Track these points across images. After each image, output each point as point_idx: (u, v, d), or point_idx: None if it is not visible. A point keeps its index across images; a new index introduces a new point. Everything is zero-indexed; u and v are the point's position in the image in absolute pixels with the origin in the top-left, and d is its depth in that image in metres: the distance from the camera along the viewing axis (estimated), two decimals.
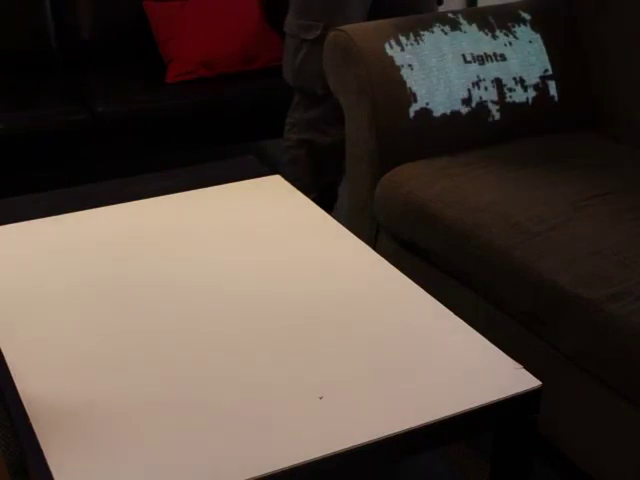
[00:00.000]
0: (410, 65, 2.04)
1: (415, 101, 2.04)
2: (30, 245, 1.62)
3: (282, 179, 1.86)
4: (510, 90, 2.13)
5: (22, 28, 2.88)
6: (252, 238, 1.64)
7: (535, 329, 1.66)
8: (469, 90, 2.09)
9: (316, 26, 2.27)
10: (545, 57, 2.19)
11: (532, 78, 2.16)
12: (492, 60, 2.11)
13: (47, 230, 1.67)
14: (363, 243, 1.62)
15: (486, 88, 2.10)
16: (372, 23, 2.12)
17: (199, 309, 1.42)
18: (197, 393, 1.24)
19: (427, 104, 2.05)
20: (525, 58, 2.16)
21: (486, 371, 1.29)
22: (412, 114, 2.04)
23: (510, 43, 2.16)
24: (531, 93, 2.15)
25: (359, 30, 2.06)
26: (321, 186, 2.48)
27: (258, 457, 1.13)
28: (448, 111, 2.07)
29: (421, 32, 2.09)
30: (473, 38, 2.12)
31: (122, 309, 1.42)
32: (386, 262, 1.56)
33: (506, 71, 2.13)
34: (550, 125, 2.16)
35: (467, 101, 2.08)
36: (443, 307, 1.44)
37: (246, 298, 1.45)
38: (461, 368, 1.30)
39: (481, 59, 2.10)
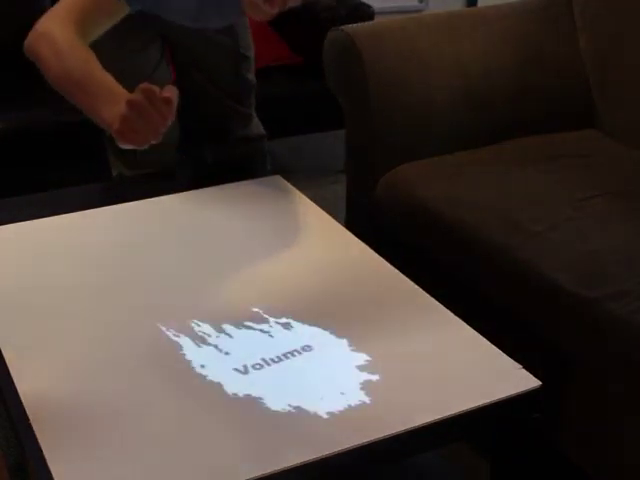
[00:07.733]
0: (410, 65, 2.04)
1: (415, 101, 2.04)
2: (30, 245, 1.62)
3: (282, 179, 1.85)
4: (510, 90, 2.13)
5: (22, 28, 2.88)
6: (252, 238, 1.64)
7: (535, 329, 1.66)
8: (469, 89, 2.09)
9: None
10: (544, 57, 2.18)
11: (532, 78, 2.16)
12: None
13: (47, 230, 1.67)
14: (363, 243, 1.62)
15: (486, 87, 2.10)
16: (372, 23, 2.12)
17: (199, 309, 1.42)
18: (197, 393, 1.24)
19: (427, 104, 2.05)
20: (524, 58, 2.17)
21: (486, 371, 1.29)
22: (412, 114, 2.03)
23: (509, 43, 2.15)
24: (530, 93, 2.15)
25: (359, 30, 2.06)
26: None
27: (258, 457, 1.13)
28: (448, 111, 2.07)
29: (420, 32, 2.09)
30: (472, 38, 2.13)
31: (123, 309, 1.42)
32: (386, 262, 1.56)
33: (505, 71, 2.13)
34: (550, 125, 2.16)
35: (467, 101, 2.08)
36: (443, 307, 1.43)
37: (245, 297, 1.45)
38: (461, 368, 1.29)
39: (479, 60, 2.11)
